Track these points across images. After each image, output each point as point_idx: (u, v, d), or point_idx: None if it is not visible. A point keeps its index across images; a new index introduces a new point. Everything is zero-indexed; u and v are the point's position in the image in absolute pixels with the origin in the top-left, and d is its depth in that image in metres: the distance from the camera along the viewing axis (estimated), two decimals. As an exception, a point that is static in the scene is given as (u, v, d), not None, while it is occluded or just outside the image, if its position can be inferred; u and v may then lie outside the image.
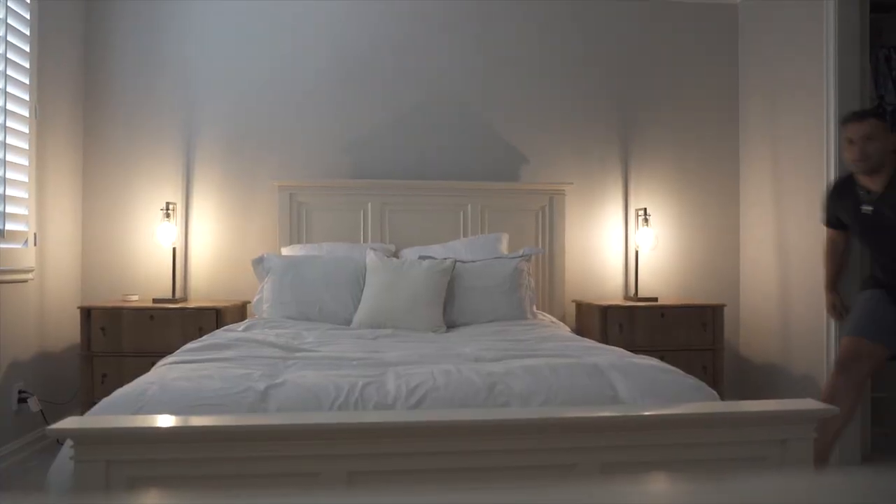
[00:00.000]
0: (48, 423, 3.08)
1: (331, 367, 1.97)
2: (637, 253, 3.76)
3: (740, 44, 3.94)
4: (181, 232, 3.64)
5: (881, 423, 3.41)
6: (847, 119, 2.70)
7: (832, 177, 3.09)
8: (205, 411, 1.62)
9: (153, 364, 2.22)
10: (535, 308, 3.27)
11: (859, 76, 3.09)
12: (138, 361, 3.01)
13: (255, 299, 3.26)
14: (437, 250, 3.35)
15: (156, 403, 1.65)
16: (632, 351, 2.40)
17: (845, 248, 2.95)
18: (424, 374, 1.84)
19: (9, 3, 2.92)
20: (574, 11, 3.87)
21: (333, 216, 3.63)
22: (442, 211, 3.66)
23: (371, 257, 3.16)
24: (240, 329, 2.76)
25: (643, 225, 3.70)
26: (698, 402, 1.79)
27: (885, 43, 3.51)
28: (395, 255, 3.43)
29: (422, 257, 3.19)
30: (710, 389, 1.91)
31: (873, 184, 2.64)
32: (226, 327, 2.86)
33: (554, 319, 3.33)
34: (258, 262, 3.31)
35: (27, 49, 3.07)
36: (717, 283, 3.92)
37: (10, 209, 2.95)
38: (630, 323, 3.40)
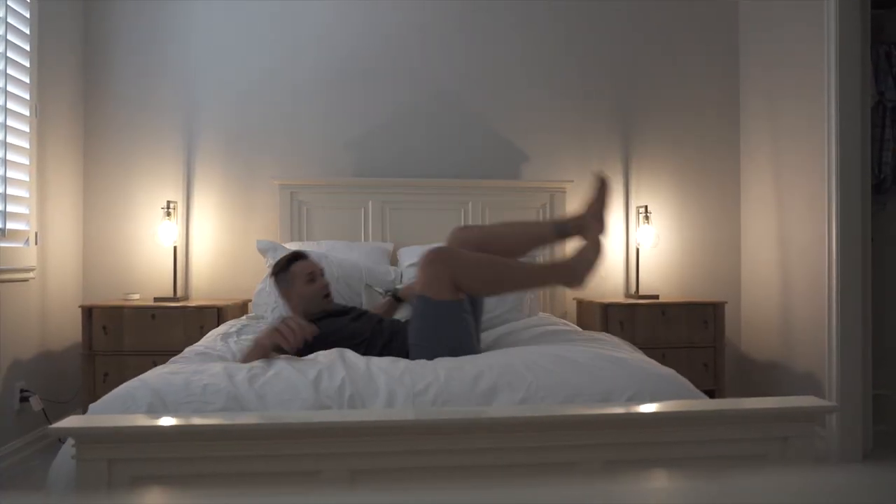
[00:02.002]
0: (50, 422, 3.09)
1: None
2: (638, 250, 3.76)
3: (740, 40, 3.94)
4: (182, 231, 3.65)
5: (882, 420, 3.41)
6: (299, 256, 2.54)
7: (833, 173, 3.08)
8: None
9: (154, 363, 2.22)
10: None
11: (860, 72, 3.09)
12: (140, 360, 3.02)
13: (257, 288, 3.17)
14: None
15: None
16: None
17: None
18: None
19: (8, 2, 2.91)
20: (574, 9, 3.87)
21: (334, 214, 3.63)
22: (443, 209, 3.65)
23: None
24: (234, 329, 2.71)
25: (644, 223, 3.70)
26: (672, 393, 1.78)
27: (886, 39, 3.50)
28: (395, 252, 3.45)
29: (367, 285, 2.98)
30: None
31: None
32: (226, 324, 2.85)
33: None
34: (265, 249, 3.25)
35: (27, 48, 3.07)
36: (718, 281, 3.92)
37: (10, 208, 2.95)
38: (631, 321, 3.40)
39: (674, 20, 3.93)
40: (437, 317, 2.18)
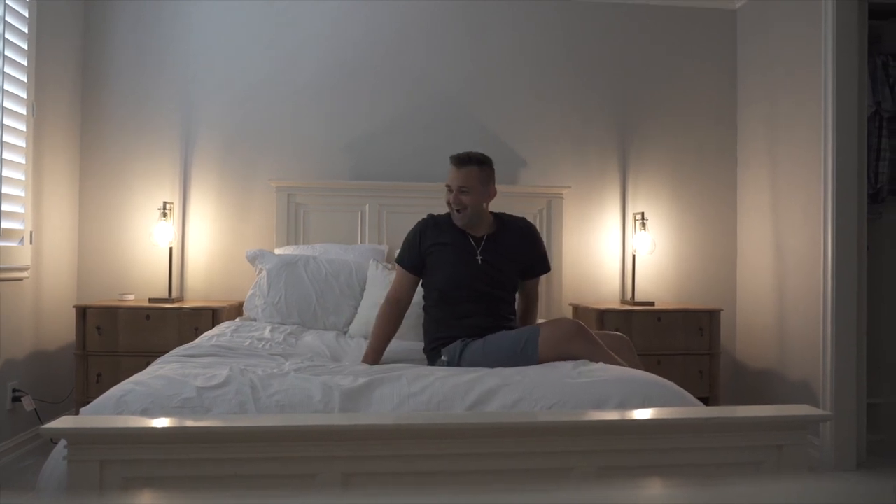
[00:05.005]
0: (42, 423, 3.07)
1: None
2: (634, 257, 3.76)
3: (739, 49, 3.95)
4: (178, 232, 3.64)
5: (876, 429, 3.42)
6: (450, 161, 2.44)
7: (830, 182, 3.10)
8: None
9: (148, 364, 2.21)
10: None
11: (857, 82, 3.10)
12: (133, 361, 3.01)
13: (249, 293, 3.20)
14: None
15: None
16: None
17: (408, 303, 2.46)
18: None
19: (7, 1, 2.91)
20: (573, 15, 3.88)
21: (331, 217, 3.63)
22: (440, 213, 3.64)
23: (373, 270, 3.14)
24: (228, 332, 2.70)
25: (641, 229, 3.70)
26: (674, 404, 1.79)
27: (883, 49, 3.52)
28: (390, 255, 3.44)
29: None
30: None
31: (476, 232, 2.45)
32: (219, 326, 2.84)
33: None
34: (254, 257, 3.29)
35: (25, 47, 3.06)
36: (713, 288, 3.93)
37: (6, 207, 2.94)
38: (627, 327, 3.39)
39: (673, 28, 3.94)
40: (519, 361, 2.10)
